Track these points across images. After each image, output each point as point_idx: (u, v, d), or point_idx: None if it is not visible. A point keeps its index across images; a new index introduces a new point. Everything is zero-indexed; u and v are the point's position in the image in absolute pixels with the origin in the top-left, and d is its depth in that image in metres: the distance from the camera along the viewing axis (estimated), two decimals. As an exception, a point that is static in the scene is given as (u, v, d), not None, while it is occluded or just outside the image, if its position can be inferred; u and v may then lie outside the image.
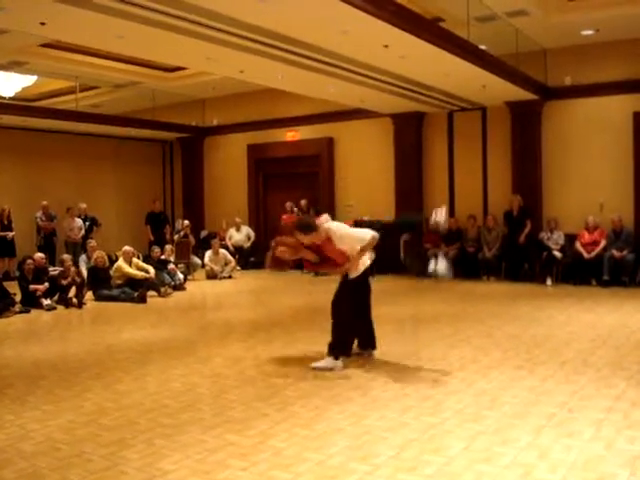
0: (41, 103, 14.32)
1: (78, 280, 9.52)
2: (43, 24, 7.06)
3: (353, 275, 5.38)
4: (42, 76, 13.34)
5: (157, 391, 4.72)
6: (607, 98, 11.07)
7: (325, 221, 5.41)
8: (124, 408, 4.31)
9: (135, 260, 10.36)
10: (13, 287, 9.31)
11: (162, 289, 10.15)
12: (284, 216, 13.50)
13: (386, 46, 8.18)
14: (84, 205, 13.63)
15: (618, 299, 8.96)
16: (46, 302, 9.00)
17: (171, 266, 11.24)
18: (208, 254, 12.74)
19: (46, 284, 9.19)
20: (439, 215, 5.33)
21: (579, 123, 11.37)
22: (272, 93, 13.45)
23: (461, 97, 11.51)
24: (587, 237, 10.69)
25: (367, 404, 4.28)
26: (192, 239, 13.37)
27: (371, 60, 9.02)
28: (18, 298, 9.02)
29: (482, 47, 9.43)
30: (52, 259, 12.17)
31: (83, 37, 8.16)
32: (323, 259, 5.43)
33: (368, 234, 5.29)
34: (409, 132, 12.90)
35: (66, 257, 9.96)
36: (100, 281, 9.96)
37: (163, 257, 11.35)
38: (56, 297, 9.25)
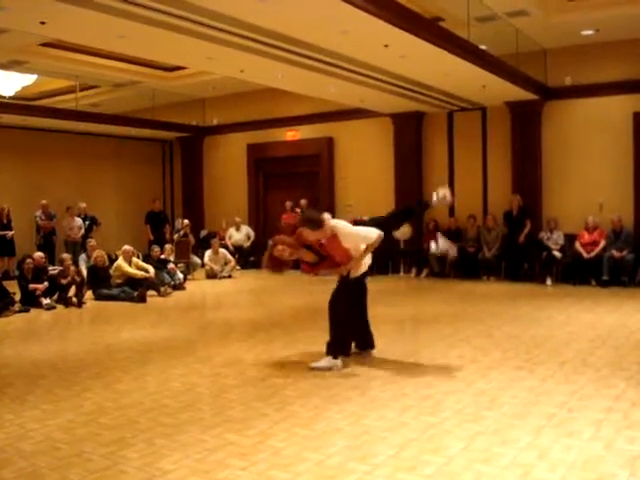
0: (41, 102, 14.32)
1: (78, 279, 9.52)
2: (43, 23, 7.05)
3: (355, 275, 5.36)
4: (42, 75, 13.33)
5: (157, 391, 4.72)
6: (607, 98, 11.07)
7: (328, 219, 5.36)
8: (124, 407, 4.31)
9: (135, 259, 10.36)
10: (12, 286, 9.30)
11: (162, 288, 10.15)
12: (284, 216, 13.51)
13: (386, 46, 8.18)
14: (84, 204, 13.62)
15: (617, 299, 8.97)
16: (45, 301, 9.00)
17: (171, 265, 11.24)
18: (208, 254, 12.74)
19: (46, 283, 9.19)
20: (441, 193, 5.24)
21: (579, 123, 11.37)
22: (272, 93, 13.45)
23: (461, 97, 11.51)
24: (587, 237, 10.69)
25: (366, 404, 4.28)
26: (192, 238, 13.37)
27: (371, 60, 9.02)
28: (18, 297, 9.02)
29: (482, 47, 9.43)
30: (52, 258, 12.17)
31: (84, 36, 8.15)
32: (322, 259, 5.34)
33: (374, 233, 5.21)
34: (409, 132, 12.90)
35: (66, 256, 9.95)
36: (100, 280, 9.96)
37: (163, 256, 11.34)
38: (56, 296, 9.24)
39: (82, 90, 13.92)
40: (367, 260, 5.40)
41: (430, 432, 3.71)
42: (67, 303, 9.13)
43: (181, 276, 11.35)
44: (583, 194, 11.25)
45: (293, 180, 14.85)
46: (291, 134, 14.89)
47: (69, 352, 6.17)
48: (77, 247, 12.69)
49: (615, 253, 10.31)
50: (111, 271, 10.12)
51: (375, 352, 5.66)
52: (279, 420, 3.97)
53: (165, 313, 8.74)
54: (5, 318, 8.26)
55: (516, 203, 11.37)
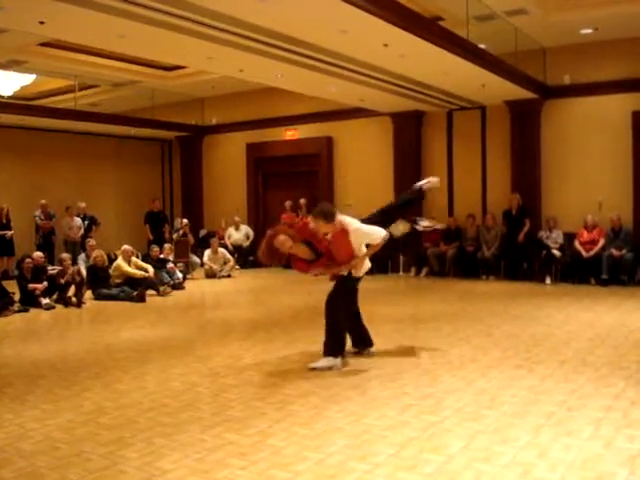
0: (40, 102, 14.31)
1: (77, 279, 9.50)
2: (42, 23, 7.05)
3: (358, 274, 5.34)
4: (41, 75, 13.33)
5: (156, 390, 4.72)
6: (606, 97, 11.07)
7: (338, 213, 5.29)
8: (123, 407, 4.31)
9: (134, 259, 10.37)
10: (12, 286, 9.30)
11: (161, 288, 10.15)
12: (283, 215, 13.50)
13: (386, 45, 8.18)
14: (83, 204, 13.62)
15: (617, 298, 8.97)
16: (45, 301, 9.00)
17: (170, 265, 11.24)
18: (207, 253, 12.74)
19: (45, 283, 9.19)
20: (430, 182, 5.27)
21: (578, 122, 11.37)
22: (271, 92, 13.45)
23: (460, 96, 11.51)
24: (586, 236, 10.70)
25: (366, 403, 4.28)
26: (191, 238, 13.37)
27: (371, 59, 9.02)
28: (17, 297, 9.02)
29: (481, 46, 9.43)
30: (51, 258, 12.18)
31: (83, 36, 8.15)
32: (318, 257, 5.26)
33: (382, 232, 5.17)
34: (408, 131, 12.90)
35: (65, 256, 9.95)
36: (99, 280, 9.96)
37: (162, 256, 11.34)
38: (55, 296, 9.24)
39: (81, 90, 13.91)
40: (368, 261, 5.40)
41: (430, 431, 3.71)
42: (66, 303, 9.14)
43: (180, 276, 11.35)
44: (582, 193, 11.25)
45: (292, 179, 14.85)
46: (290, 133, 14.88)
47: (69, 352, 6.17)
48: (76, 247, 12.69)
49: (614, 252, 10.31)
50: (110, 271, 10.12)
51: (374, 350, 5.66)
52: (279, 419, 3.97)
53: (164, 313, 8.74)
54: (4, 318, 8.26)
55: (515, 202, 11.37)
